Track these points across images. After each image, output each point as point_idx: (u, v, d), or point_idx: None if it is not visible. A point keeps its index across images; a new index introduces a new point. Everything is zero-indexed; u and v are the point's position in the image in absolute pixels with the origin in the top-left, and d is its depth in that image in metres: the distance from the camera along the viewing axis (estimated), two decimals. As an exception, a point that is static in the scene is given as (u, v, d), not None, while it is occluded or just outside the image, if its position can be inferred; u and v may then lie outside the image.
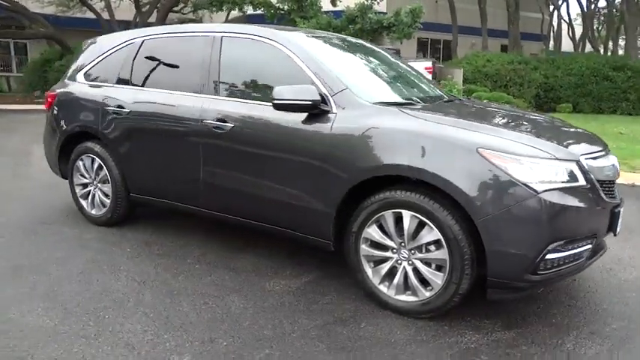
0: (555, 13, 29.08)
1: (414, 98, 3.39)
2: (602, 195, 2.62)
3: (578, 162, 2.55)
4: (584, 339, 2.53)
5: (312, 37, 3.61)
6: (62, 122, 4.21)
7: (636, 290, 3.11)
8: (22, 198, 4.94)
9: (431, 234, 2.57)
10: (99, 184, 4.06)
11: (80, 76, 4.24)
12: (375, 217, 2.73)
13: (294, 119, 2.96)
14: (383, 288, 2.79)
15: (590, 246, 2.64)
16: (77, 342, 2.41)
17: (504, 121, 3.15)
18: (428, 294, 2.65)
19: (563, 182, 2.46)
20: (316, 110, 2.86)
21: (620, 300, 2.98)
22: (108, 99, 3.88)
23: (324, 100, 2.88)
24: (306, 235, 3.06)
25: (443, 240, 2.53)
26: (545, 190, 2.39)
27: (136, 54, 3.89)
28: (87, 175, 4.13)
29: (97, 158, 4.00)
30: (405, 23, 9.75)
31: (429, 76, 8.93)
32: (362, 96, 2.92)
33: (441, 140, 2.57)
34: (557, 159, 2.49)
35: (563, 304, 2.92)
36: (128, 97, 3.80)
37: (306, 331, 2.55)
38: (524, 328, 2.63)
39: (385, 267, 2.77)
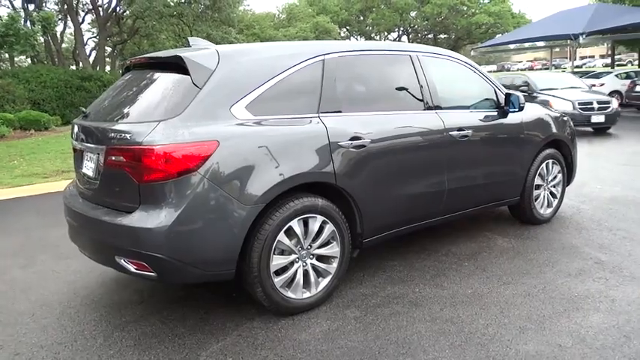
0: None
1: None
2: None
3: None
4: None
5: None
6: (247, 185, 2.61)
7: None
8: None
9: (557, 168, 4.58)
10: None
11: (239, 109, 2.67)
12: (538, 170, 4.38)
13: (497, 116, 3.99)
14: (543, 211, 4.52)
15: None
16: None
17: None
18: (555, 204, 4.66)
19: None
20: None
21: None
22: (335, 132, 2.93)
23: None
24: (506, 200, 4.23)
25: (563, 167, 4.62)
26: None
27: (323, 74, 3.05)
28: (294, 249, 2.84)
29: (318, 216, 2.90)
30: (25, 34, 7.47)
31: None
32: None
33: (561, 116, 4.64)
34: None
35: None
36: (360, 125, 3.09)
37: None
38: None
39: (542, 200, 4.51)
